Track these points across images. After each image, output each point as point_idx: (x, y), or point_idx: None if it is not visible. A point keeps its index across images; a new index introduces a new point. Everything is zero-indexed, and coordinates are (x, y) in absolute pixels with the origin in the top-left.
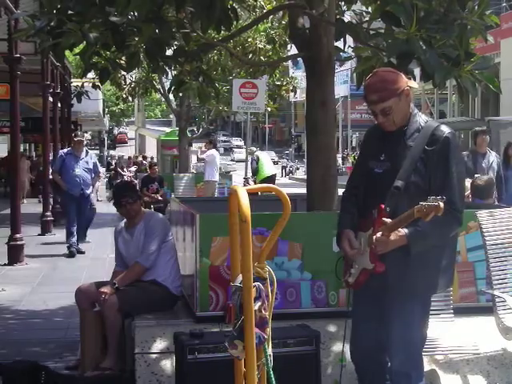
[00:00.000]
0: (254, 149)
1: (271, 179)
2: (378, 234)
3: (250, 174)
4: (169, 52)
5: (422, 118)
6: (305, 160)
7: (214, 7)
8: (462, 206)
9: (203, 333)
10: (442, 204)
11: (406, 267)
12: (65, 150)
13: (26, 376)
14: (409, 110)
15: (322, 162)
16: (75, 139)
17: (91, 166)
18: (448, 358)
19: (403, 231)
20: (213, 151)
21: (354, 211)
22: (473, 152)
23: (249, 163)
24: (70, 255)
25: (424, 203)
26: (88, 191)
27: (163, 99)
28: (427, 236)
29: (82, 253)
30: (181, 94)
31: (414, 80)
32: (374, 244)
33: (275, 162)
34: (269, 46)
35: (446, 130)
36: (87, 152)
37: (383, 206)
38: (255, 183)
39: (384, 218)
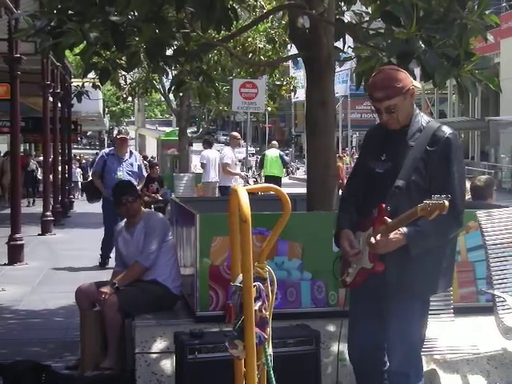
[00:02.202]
0: (276, 143)
1: (276, 180)
2: (378, 236)
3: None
4: (169, 52)
5: (423, 119)
6: (305, 160)
7: (213, 7)
8: (463, 206)
9: (203, 332)
10: (446, 202)
11: (405, 267)
12: (106, 150)
13: (26, 376)
14: (412, 110)
15: (322, 162)
16: (118, 137)
17: (136, 169)
18: (448, 357)
19: (403, 230)
20: (207, 151)
21: (353, 211)
22: None
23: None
24: (103, 265)
25: (428, 201)
26: None
27: (163, 99)
28: (427, 236)
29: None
30: (181, 94)
31: (415, 80)
32: (374, 246)
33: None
34: (269, 46)
35: (447, 130)
36: (131, 153)
37: (384, 206)
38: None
39: (385, 217)
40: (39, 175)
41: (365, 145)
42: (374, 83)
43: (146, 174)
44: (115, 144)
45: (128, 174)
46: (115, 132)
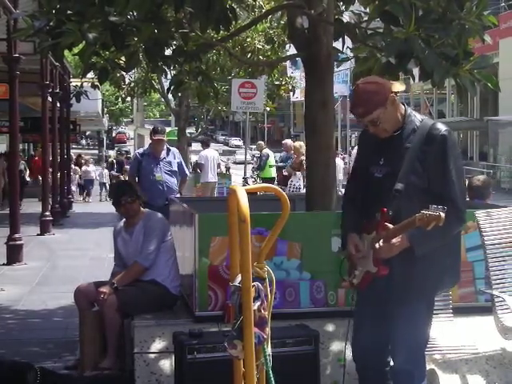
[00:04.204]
0: (263, 143)
1: (272, 181)
2: (381, 242)
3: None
4: (168, 52)
5: (417, 118)
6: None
7: (212, 7)
8: (464, 203)
9: (202, 332)
10: (443, 214)
11: (412, 267)
12: (140, 150)
13: (18, 376)
14: (400, 113)
15: (322, 162)
16: (154, 138)
17: (175, 168)
18: (447, 357)
19: (405, 233)
20: (206, 151)
21: (356, 214)
22: None
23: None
24: None
25: (426, 212)
26: None
27: (162, 99)
28: (430, 237)
29: None
30: (180, 94)
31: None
32: (378, 251)
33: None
34: (267, 46)
35: (442, 127)
36: (169, 150)
37: (385, 210)
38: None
39: (387, 223)
40: (27, 176)
41: (360, 148)
42: (352, 100)
43: (188, 173)
44: (150, 144)
45: (167, 174)
46: (114, 132)
